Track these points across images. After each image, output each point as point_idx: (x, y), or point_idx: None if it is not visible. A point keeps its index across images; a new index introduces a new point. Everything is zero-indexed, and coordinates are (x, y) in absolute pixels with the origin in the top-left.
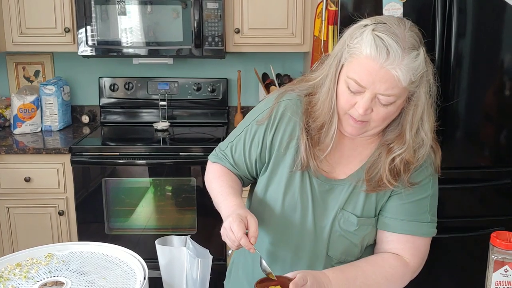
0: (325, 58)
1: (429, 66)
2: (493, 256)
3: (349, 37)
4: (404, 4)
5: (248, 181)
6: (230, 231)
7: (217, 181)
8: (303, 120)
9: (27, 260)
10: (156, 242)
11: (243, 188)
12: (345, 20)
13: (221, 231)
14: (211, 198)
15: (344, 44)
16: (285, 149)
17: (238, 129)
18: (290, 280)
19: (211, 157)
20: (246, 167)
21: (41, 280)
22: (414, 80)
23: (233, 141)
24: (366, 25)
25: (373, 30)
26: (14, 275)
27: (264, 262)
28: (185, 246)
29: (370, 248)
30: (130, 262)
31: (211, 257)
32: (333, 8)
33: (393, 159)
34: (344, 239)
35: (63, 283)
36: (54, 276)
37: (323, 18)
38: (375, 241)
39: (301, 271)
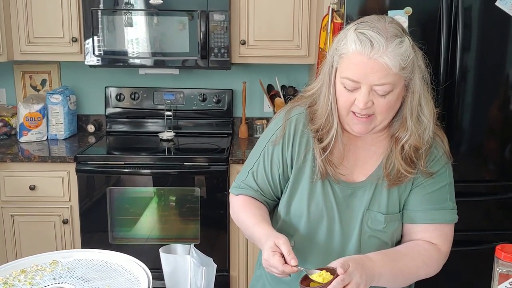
0: (321, 69)
1: (418, 53)
2: (498, 269)
3: (336, 42)
4: (410, 18)
5: (273, 203)
6: (270, 266)
7: (243, 212)
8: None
9: (32, 267)
10: (160, 250)
11: None
12: None
13: (263, 265)
14: (214, 209)
15: (333, 50)
16: (303, 161)
17: (254, 155)
18: (331, 269)
19: (233, 190)
20: (271, 189)
21: (45, 286)
22: (405, 66)
23: (252, 168)
24: (349, 28)
25: (355, 29)
26: (19, 281)
27: (308, 270)
28: (189, 254)
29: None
30: (135, 270)
31: (215, 265)
32: (339, 20)
33: (403, 147)
34: (375, 239)
35: None
36: (58, 283)
37: (329, 31)
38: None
39: (341, 258)
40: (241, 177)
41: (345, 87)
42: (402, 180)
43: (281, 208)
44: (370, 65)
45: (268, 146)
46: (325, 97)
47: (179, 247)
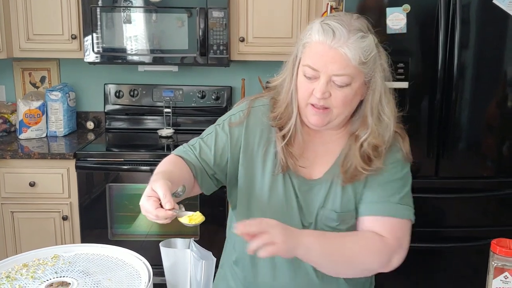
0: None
1: (382, 53)
2: (493, 263)
3: (302, 34)
4: (408, 15)
5: (206, 178)
6: (146, 212)
7: (161, 168)
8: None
9: (34, 261)
10: (160, 244)
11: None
12: None
13: (142, 212)
14: (213, 205)
15: (298, 41)
16: (265, 154)
17: (208, 130)
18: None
19: (174, 151)
20: (214, 161)
21: (47, 280)
22: (365, 61)
23: (203, 138)
24: (315, 21)
25: (321, 21)
26: (21, 275)
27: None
28: (188, 248)
29: None
30: (135, 264)
31: (214, 259)
32: None
33: (361, 145)
34: None
35: (69, 283)
36: (60, 277)
37: None
38: None
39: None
40: (190, 142)
41: (305, 76)
42: (358, 178)
43: (240, 198)
44: (331, 54)
45: (224, 124)
46: (287, 86)
47: (179, 241)
